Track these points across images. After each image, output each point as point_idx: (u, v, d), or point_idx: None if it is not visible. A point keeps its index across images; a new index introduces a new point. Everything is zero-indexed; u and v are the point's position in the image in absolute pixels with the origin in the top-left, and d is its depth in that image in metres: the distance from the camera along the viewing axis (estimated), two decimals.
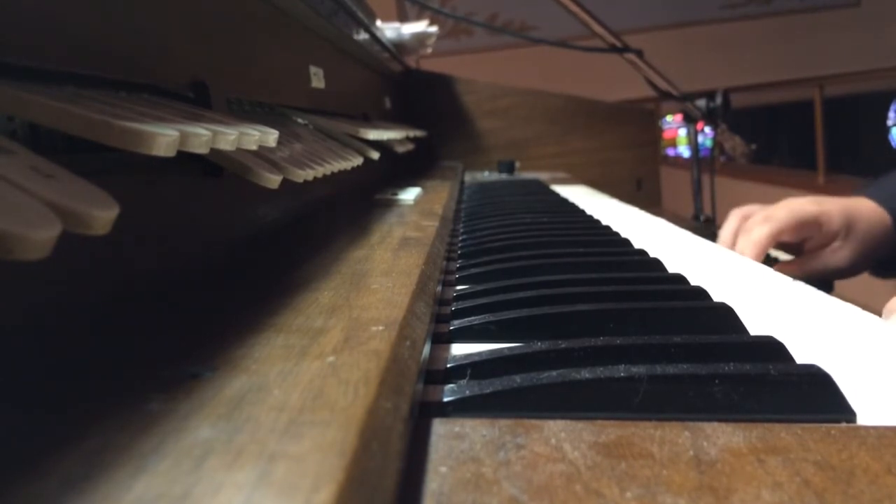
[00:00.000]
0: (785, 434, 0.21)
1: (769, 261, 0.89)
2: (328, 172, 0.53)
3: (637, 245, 0.54)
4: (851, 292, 0.50)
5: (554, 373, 0.24)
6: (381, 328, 0.24)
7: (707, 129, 1.52)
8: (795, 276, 0.70)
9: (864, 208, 0.83)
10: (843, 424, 0.22)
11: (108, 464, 0.15)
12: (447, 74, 1.62)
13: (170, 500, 0.13)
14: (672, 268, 0.45)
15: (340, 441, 0.16)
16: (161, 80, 0.40)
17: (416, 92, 1.58)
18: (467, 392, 0.24)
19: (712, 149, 2.11)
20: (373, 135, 0.76)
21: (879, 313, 0.37)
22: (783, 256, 0.91)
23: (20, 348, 0.23)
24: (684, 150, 4.43)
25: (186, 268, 0.36)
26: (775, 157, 4.56)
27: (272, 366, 0.21)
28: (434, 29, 1.43)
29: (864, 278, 0.85)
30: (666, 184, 1.79)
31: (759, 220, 0.78)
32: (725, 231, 0.82)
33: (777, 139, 4.74)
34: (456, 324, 0.33)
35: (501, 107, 1.64)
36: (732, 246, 0.79)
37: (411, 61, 1.54)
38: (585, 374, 0.24)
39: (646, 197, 1.67)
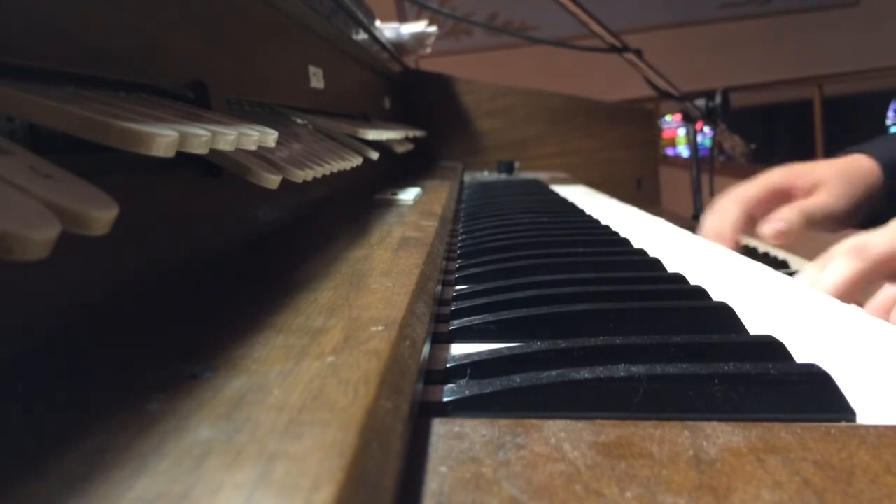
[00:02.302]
0: (785, 433, 0.21)
1: (748, 251, 0.88)
2: (327, 172, 0.53)
3: (636, 245, 0.54)
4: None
5: (554, 373, 0.24)
6: (380, 328, 0.24)
7: (706, 129, 1.52)
8: (792, 226, 0.69)
9: (849, 160, 0.81)
10: (843, 424, 0.22)
11: (107, 464, 0.15)
12: (447, 74, 1.62)
13: (169, 500, 0.13)
14: (671, 267, 0.45)
15: (340, 441, 0.16)
16: (161, 81, 0.40)
17: (415, 92, 1.58)
18: (467, 392, 0.24)
19: (711, 148, 2.11)
20: (372, 135, 0.76)
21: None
22: (756, 245, 0.90)
23: (20, 348, 0.22)
24: (683, 150, 4.43)
25: (186, 268, 0.36)
26: (774, 156, 4.56)
27: (272, 366, 0.21)
28: (433, 29, 1.43)
29: None
30: (665, 183, 1.79)
31: (726, 199, 0.77)
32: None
33: (776, 139, 4.74)
34: (455, 324, 0.33)
35: (501, 107, 1.64)
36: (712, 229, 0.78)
37: (411, 61, 1.54)
38: (585, 373, 0.24)
39: (645, 197, 1.67)
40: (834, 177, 0.76)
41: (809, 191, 0.76)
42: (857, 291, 0.41)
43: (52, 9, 0.30)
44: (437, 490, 0.18)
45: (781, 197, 0.77)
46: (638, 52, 1.21)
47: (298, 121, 0.66)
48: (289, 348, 0.22)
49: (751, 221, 0.77)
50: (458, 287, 0.42)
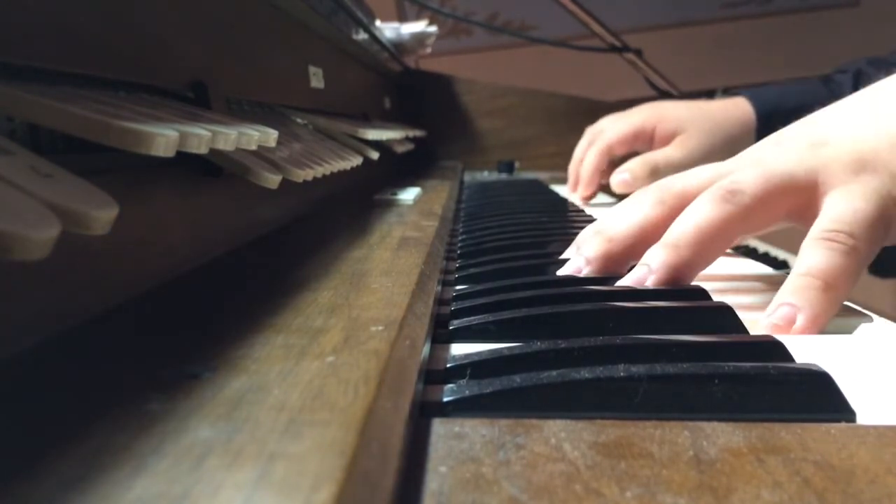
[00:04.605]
0: (785, 434, 0.21)
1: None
2: (328, 172, 0.53)
3: None
4: (851, 292, 0.50)
5: (554, 373, 0.24)
6: (380, 328, 0.24)
7: None
8: (636, 179, 0.71)
9: (722, 104, 0.82)
10: (843, 424, 0.22)
11: (107, 464, 0.15)
12: (447, 74, 1.62)
13: (169, 500, 0.13)
14: None
15: (340, 441, 0.16)
16: (160, 80, 0.40)
17: (415, 92, 1.58)
18: (467, 392, 0.24)
19: None
20: (372, 135, 0.76)
21: (879, 313, 0.37)
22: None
23: (19, 348, 0.22)
24: None
25: (185, 268, 0.36)
26: None
27: (272, 365, 0.21)
28: (433, 28, 1.43)
29: (864, 278, 0.85)
30: None
31: (588, 143, 0.82)
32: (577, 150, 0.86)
33: None
34: (455, 323, 0.33)
35: (501, 107, 1.64)
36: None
37: (411, 61, 1.54)
38: (585, 373, 0.24)
39: None
40: (694, 127, 0.77)
41: (669, 137, 0.77)
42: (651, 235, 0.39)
43: (52, 9, 0.30)
44: (437, 490, 0.18)
45: (644, 137, 0.79)
46: (638, 52, 1.21)
47: (298, 121, 0.66)
48: (289, 348, 0.22)
49: (611, 162, 0.81)
50: (458, 287, 0.42)
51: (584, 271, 0.40)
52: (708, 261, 0.38)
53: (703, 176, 0.41)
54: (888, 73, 0.83)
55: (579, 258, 0.41)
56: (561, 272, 0.42)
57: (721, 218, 0.37)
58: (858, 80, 0.86)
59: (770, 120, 0.77)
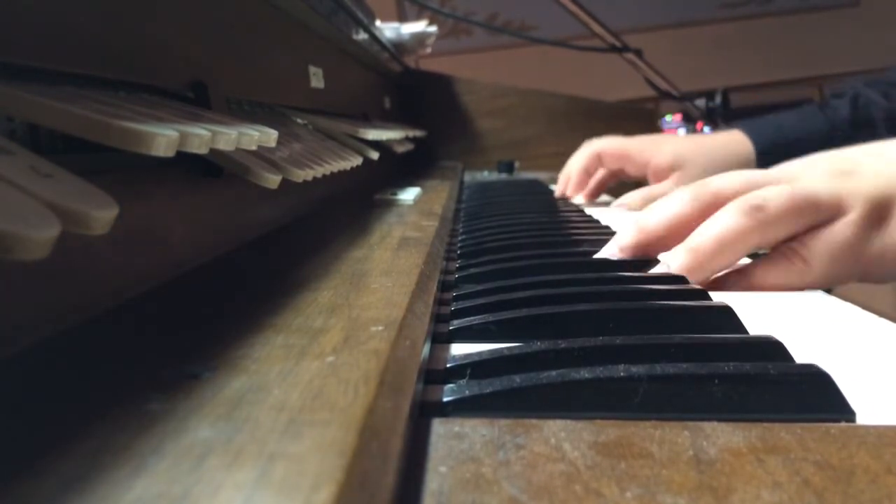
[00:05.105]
0: (784, 434, 0.21)
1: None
2: (328, 172, 0.53)
3: None
4: (851, 292, 0.50)
5: (554, 373, 0.24)
6: (380, 328, 0.24)
7: (706, 129, 1.52)
8: (639, 209, 0.75)
9: (720, 138, 0.84)
10: (843, 424, 0.22)
11: (107, 464, 0.15)
12: (447, 74, 1.62)
13: (169, 500, 0.13)
14: None
15: (340, 441, 0.16)
16: (161, 81, 0.40)
17: (415, 92, 1.58)
18: (467, 392, 0.24)
19: None
20: (372, 135, 0.76)
21: (879, 313, 0.37)
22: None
23: (19, 348, 0.22)
24: None
25: (185, 268, 0.36)
26: None
27: (272, 365, 0.21)
28: (433, 29, 1.43)
29: None
30: None
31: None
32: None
33: None
34: (456, 324, 0.33)
35: (501, 107, 1.64)
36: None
37: (411, 61, 1.54)
38: (585, 374, 0.24)
39: None
40: (691, 163, 0.80)
41: (665, 170, 0.81)
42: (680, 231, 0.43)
43: (52, 9, 0.30)
44: (436, 490, 0.18)
45: (633, 162, 0.83)
46: (638, 52, 1.21)
47: (298, 121, 0.66)
48: (289, 348, 0.22)
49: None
50: (458, 287, 0.42)
51: (618, 256, 0.46)
52: (723, 266, 0.42)
53: (736, 182, 0.44)
54: (885, 95, 0.83)
55: (614, 245, 0.46)
56: (597, 255, 0.47)
57: (741, 230, 0.40)
58: (856, 104, 0.86)
59: (770, 153, 0.78)
